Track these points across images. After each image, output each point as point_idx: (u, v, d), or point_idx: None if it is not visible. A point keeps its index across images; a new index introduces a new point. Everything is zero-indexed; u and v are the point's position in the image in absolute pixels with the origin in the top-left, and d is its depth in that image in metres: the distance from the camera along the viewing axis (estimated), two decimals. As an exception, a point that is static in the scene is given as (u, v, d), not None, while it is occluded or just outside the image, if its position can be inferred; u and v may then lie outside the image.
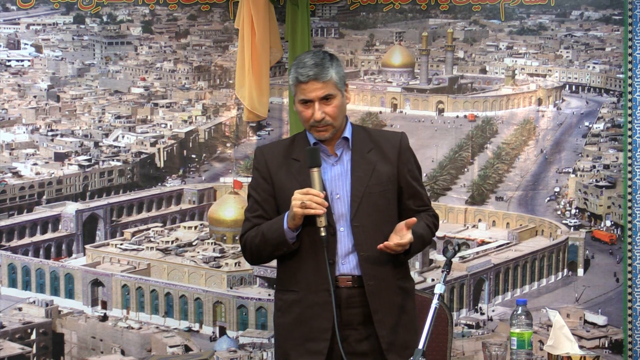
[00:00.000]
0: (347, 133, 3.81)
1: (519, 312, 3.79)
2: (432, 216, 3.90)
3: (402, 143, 3.86)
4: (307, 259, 3.72)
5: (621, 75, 6.61)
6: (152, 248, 6.75)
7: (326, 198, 3.65)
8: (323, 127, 3.73)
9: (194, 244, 6.78)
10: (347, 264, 3.73)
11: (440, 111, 6.89)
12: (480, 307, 6.71)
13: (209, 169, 6.81)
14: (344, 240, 3.72)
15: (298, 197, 3.60)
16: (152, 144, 6.77)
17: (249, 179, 6.77)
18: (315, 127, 3.74)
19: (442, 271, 3.52)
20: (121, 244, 6.75)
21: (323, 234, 3.61)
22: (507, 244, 6.80)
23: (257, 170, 3.86)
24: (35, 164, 6.66)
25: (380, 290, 3.73)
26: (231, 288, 6.67)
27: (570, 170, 6.76)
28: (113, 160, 6.72)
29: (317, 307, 3.70)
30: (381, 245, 3.63)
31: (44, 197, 6.67)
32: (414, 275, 6.38)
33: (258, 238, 3.75)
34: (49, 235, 6.70)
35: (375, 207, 3.75)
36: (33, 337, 6.55)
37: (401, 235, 3.64)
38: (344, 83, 3.76)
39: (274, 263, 3.88)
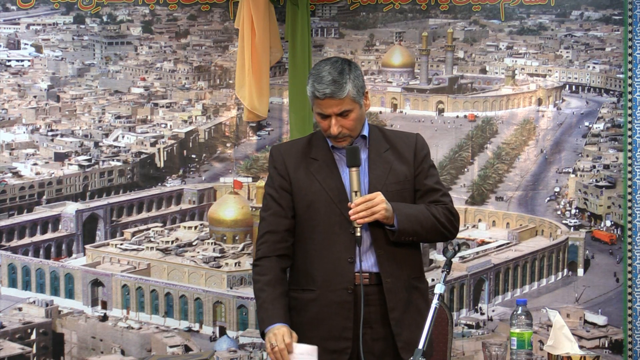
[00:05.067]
0: (365, 131, 3.85)
1: (519, 312, 3.79)
2: (444, 209, 3.81)
3: (418, 144, 3.90)
4: (324, 258, 3.74)
5: (621, 75, 6.61)
6: (152, 248, 6.75)
7: (350, 198, 3.67)
8: (341, 139, 3.77)
9: (194, 244, 6.78)
10: (365, 261, 3.73)
11: (440, 111, 6.88)
12: (480, 307, 6.71)
13: (209, 169, 6.80)
14: (363, 237, 3.71)
15: (272, 344, 3.58)
16: (152, 144, 6.76)
17: (249, 179, 6.83)
18: (333, 139, 3.77)
19: (442, 271, 3.52)
20: (121, 244, 6.75)
21: (358, 234, 3.64)
22: (507, 244, 6.80)
23: (274, 168, 3.86)
24: (35, 164, 6.66)
25: (397, 288, 3.73)
26: (231, 288, 6.66)
27: (570, 170, 6.75)
28: (113, 160, 6.72)
29: (335, 305, 3.71)
30: (352, 211, 3.64)
31: (44, 197, 6.67)
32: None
33: (257, 300, 3.77)
34: (49, 235, 6.70)
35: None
36: (33, 337, 6.55)
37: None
38: (362, 93, 3.77)
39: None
